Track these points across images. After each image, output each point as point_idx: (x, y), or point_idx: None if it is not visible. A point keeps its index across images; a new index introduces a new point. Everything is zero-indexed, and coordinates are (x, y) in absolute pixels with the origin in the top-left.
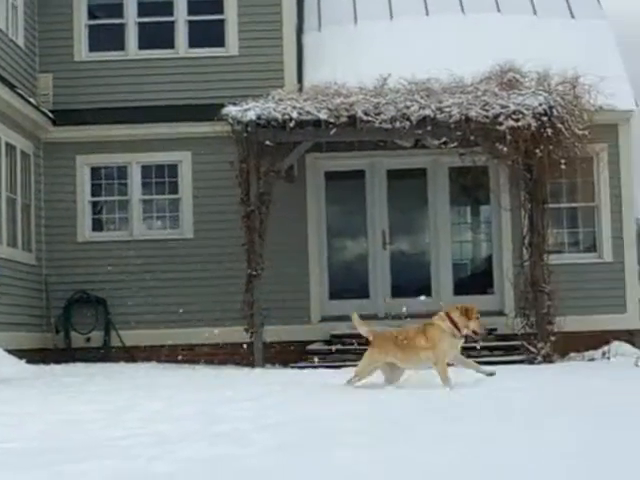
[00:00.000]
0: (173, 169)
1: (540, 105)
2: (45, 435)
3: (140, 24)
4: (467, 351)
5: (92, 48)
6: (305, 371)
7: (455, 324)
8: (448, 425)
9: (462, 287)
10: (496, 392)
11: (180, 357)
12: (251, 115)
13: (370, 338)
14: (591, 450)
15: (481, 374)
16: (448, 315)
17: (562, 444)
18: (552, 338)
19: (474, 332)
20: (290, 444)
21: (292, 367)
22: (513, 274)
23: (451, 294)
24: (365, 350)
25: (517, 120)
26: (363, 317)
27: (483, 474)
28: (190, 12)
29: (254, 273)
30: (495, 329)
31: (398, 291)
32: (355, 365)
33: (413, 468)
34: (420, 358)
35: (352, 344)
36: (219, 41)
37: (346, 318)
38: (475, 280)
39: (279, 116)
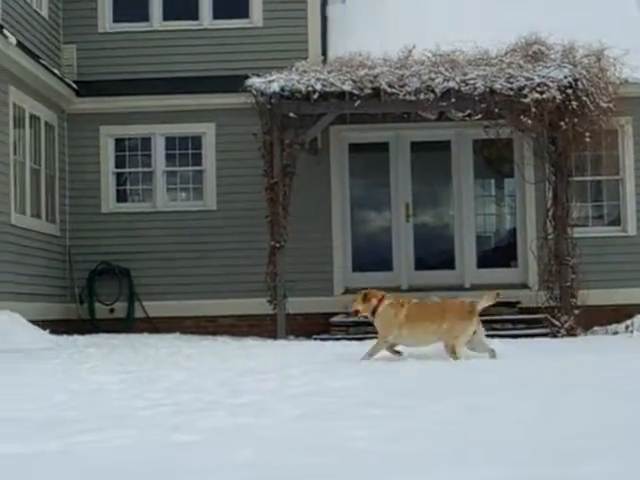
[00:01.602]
0: (197, 141)
1: (565, 78)
2: (66, 405)
3: None
4: (490, 324)
5: (116, 19)
6: (328, 343)
7: None
8: (470, 398)
9: (485, 260)
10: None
11: (203, 328)
12: (275, 87)
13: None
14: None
15: None
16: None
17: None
18: (575, 311)
19: None
20: (310, 415)
21: (315, 339)
22: (537, 247)
23: (475, 267)
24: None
25: (542, 93)
26: (386, 289)
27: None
28: None
29: (277, 245)
30: (519, 302)
31: (421, 264)
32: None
33: (424, 443)
34: None
35: None
36: (243, 12)
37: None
38: (499, 253)
39: (303, 88)
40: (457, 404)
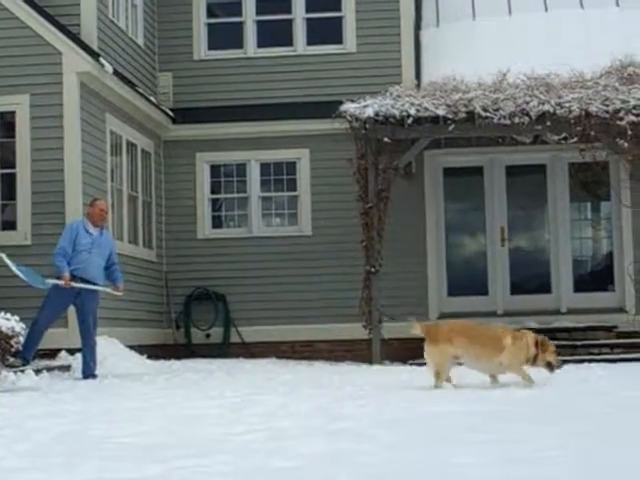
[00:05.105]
0: (291, 166)
1: None
2: (164, 430)
3: (259, 22)
4: (587, 348)
5: (211, 46)
6: (423, 368)
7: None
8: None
9: (582, 284)
10: None
11: (298, 353)
12: (369, 112)
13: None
14: None
15: None
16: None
17: None
18: None
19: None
20: (408, 441)
21: (410, 364)
22: (634, 271)
23: (571, 291)
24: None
25: (638, 115)
26: (482, 315)
27: None
28: (308, 10)
29: (372, 270)
30: (615, 326)
31: (517, 288)
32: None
33: (539, 469)
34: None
35: None
36: (337, 38)
37: (465, 315)
38: (595, 277)
39: (397, 113)
40: (559, 430)
